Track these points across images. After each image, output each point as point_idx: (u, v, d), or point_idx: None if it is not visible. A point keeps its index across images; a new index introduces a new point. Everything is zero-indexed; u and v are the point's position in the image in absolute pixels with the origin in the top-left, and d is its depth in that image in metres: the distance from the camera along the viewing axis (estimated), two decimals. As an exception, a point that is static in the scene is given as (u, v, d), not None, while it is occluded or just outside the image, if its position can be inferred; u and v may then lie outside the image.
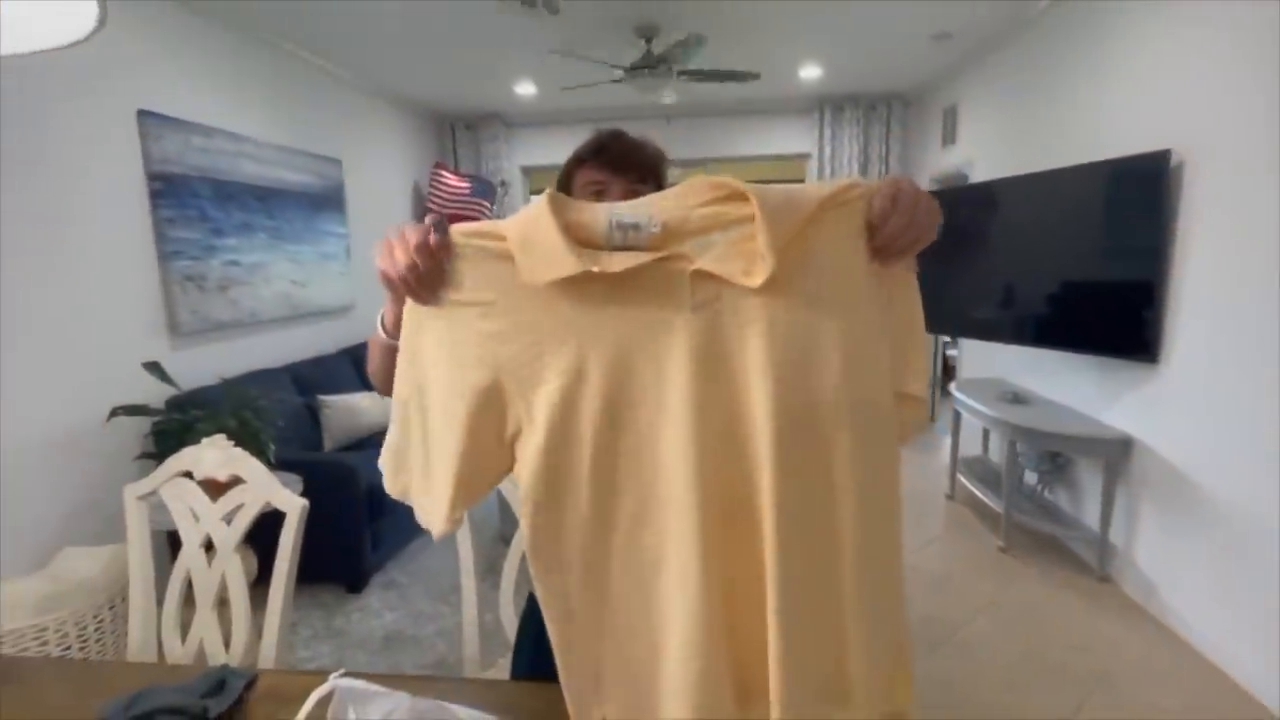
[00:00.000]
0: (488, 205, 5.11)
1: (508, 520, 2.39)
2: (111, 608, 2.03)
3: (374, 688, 0.69)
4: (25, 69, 2.15)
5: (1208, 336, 2.20)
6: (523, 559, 1.40)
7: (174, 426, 2.21)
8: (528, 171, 5.61)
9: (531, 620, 1.15)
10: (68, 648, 1.93)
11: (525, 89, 4.57)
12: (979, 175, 3.87)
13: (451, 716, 0.69)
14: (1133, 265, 2.50)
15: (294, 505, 1.32)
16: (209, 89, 3.00)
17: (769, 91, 4.75)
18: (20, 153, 2.15)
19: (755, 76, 3.48)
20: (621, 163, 0.99)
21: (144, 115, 2.61)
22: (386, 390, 0.83)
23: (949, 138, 4.39)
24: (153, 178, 2.64)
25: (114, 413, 2.17)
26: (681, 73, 3.39)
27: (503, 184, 5.33)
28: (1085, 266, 2.77)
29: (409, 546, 3.12)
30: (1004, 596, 2.61)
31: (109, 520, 2.23)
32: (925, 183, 4.74)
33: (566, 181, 1.03)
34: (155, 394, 2.43)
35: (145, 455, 2.34)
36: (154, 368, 2.28)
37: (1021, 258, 3.14)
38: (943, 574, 2.83)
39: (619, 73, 3.46)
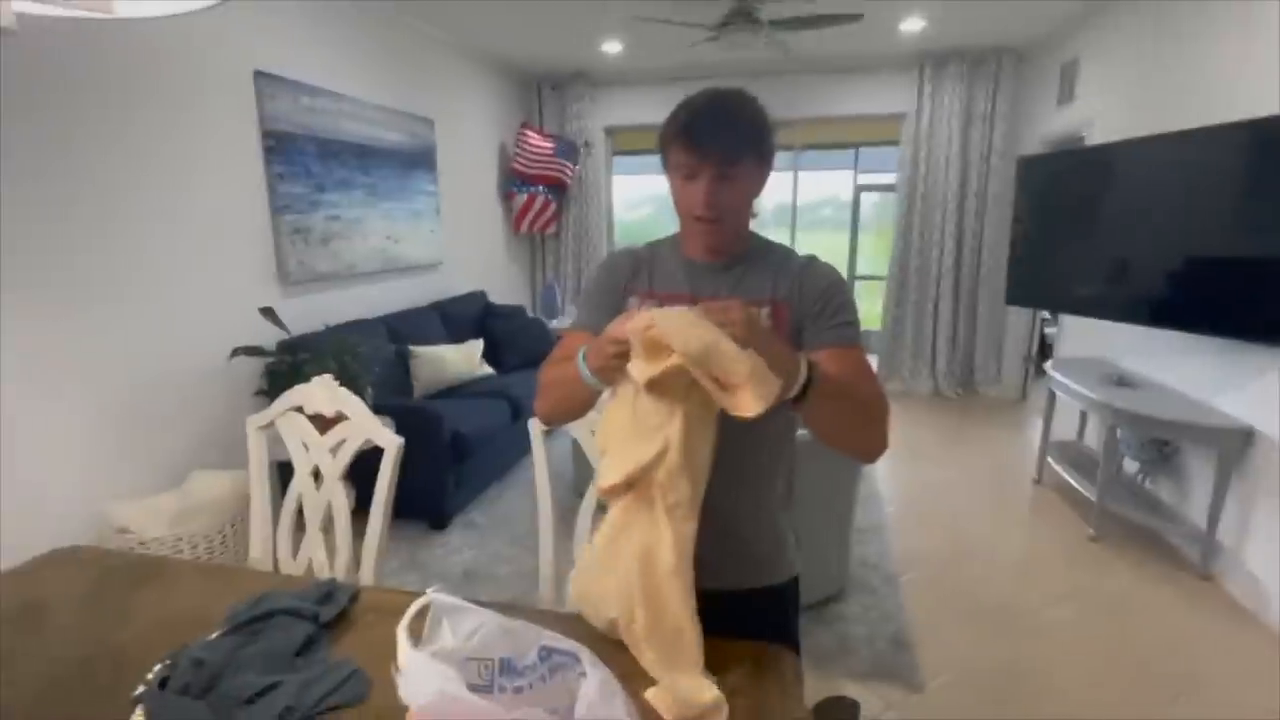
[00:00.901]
0: (570, 166, 5.16)
1: (581, 474, 2.48)
2: (234, 525, 2.27)
3: (466, 604, 0.76)
4: (153, 33, 2.34)
5: (1358, 321, 1.96)
6: (594, 510, 1.46)
7: (284, 368, 2.41)
8: (611, 131, 5.59)
9: None
10: (198, 556, 2.18)
11: (612, 47, 4.53)
12: (1097, 138, 3.55)
13: (534, 634, 0.75)
14: (1272, 239, 2.25)
15: (392, 442, 1.43)
16: (315, 50, 3.15)
17: (866, 46, 4.50)
18: (148, 115, 2.35)
19: (857, 18, 3.25)
20: (710, 143, 0.92)
21: (260, 75, 2.78)
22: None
23: (1065, 95, 4.03)
24: (266, 135, 2.82)
25: (235, 353, 2.39)
26: (774, 22, 3.25)
27: (586, 144, 5.35)
28: (1213, 239, 2.51)
29: (488, 491, 3.29)
30: (1091, 587, 2.49)
31: (231, 448, 2.48)
32: (1035, 144, 4.40)
33: (664, 152, 0.98)
34: (268, 337, 2.65)
35: (260, 392, 2.57)
36: (268, 313, 2.49)
37: (1139, 229, 2.88)
38: (1022, 559, 2.73)
39: (708, 32, 3.37)
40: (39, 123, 2.00)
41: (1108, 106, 3.54)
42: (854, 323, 1.01)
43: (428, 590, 0.77)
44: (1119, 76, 3.46)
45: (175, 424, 2.47)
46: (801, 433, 1.05)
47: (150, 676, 0.89)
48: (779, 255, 1.05)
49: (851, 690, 1.89)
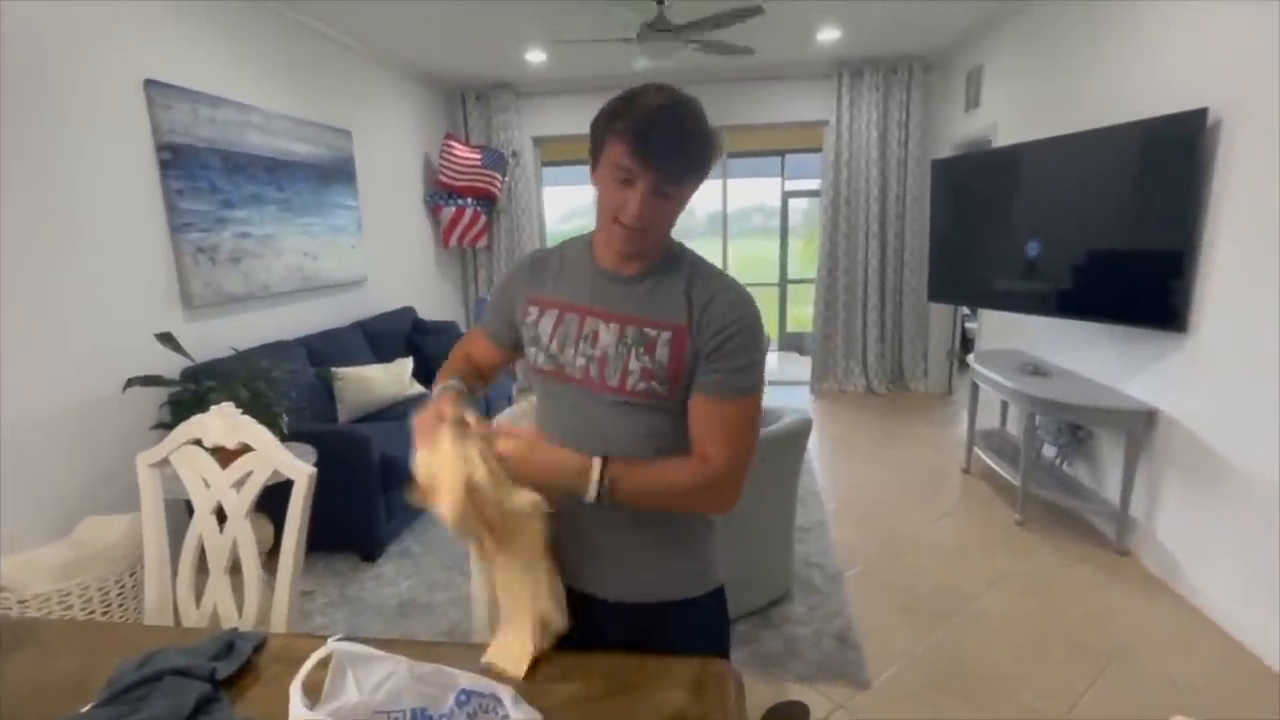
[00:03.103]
0: (499, 178, 5.06)
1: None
2: (132, 574, 2.07)
3: (372, 651, 0.68)
4: (28, 33, 2.13)
5: (1239, 306, 2.12)
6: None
7: (188, 397, 2.22)
8: (539, 141, 5.53)
9: None
10: (91, 613, 1.97)
11: (535, 56, 4.48)
12: (1003, 141, 3.75)
13: (449, 679, 0.68)
14: (1163, 231, 2.41)
15: (301, 472, 1.32)
16: (216, 57, 2.97)
17: (786, 56, 4.62)
18: (25, 122, 2.14)
19: (757, 10, 3.25)
20: (660, 162, 0.86)
21: (151, 84, 2.59)
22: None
23: (972, 102, 4.25)
24: (161, 148, 2.62)
25: (129, 383, 2.19)
26: (685, 25, 3.26)
27: (514, 154, 5.27)
28: (1112, 233, 2.68)
29: (423, 517, 3.15)
30: (1019, 569, 2.59)
31: (128, 489, 2.24)
32: (947, 149, 4.61)
33: (598, 141, 0.91)
34: (170, 366, 2.45)
35: (160, 425, 2.36)
36: (166, 338, 2.29)
37: (1045, 225, 3.04)
38: (956, 547, 2.81)
39: (631, 34, 3.37)
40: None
41: (1010, 111, 3.74)
42: (745, 369, 0.93)
43: (328, 640, 0.69)
44: (1019, 82, 3.67)
45: (63, 465, 2.24)
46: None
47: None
48: (692, 271, 0.97)
49: (800, 693, 1.88)
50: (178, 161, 2.69)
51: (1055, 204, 2.98)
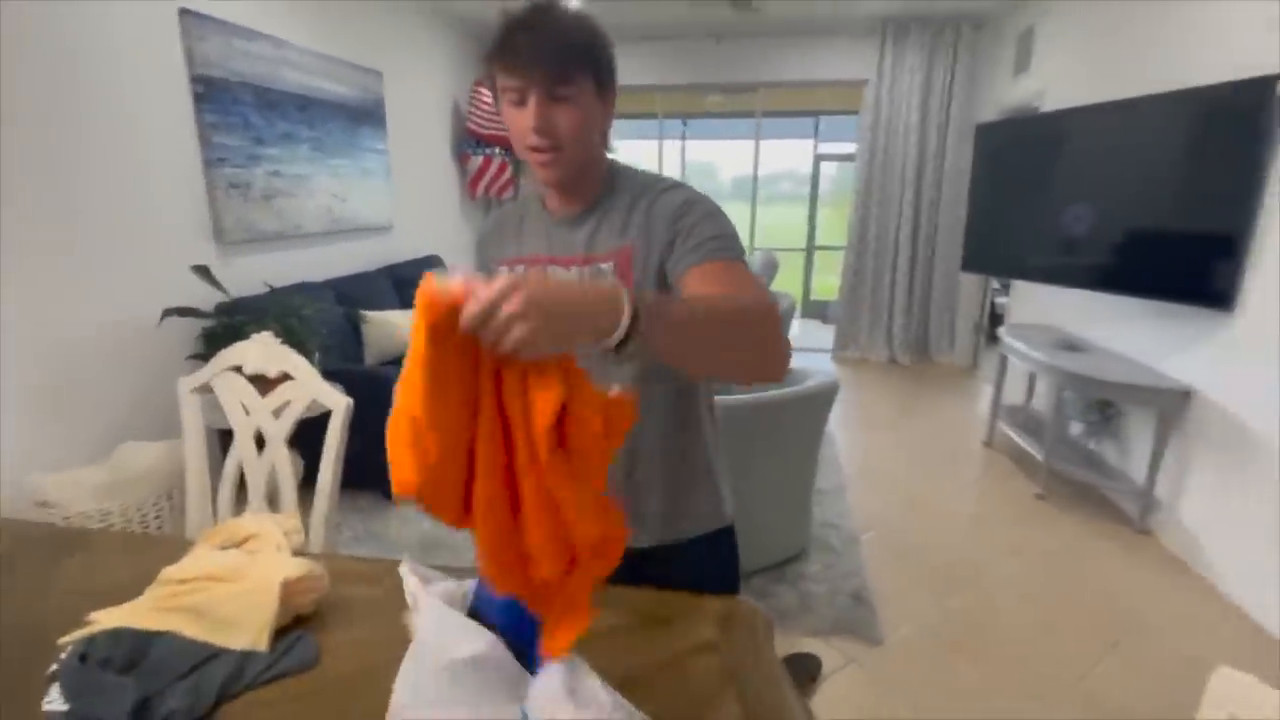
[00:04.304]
0: (528, 127, 4.98)
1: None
2: (169, 498, 2.14)
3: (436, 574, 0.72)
4: (68, -42, 2.11)
5: (1294, 284, 2.04)
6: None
7: (222, 330, 2.26)
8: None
9: None
10: (131, 531, 2.04)
11: (571, 2, 4.34)
12: (1051, 106, 3.60)
13: None
14: (1217, 206, 2.31)
15: (339, 402, 1.34)
16: (250, -11, 2.92)
17: (828, 10, 4.44)
18: (63, 51, 2.13)
19: None
20: (534, 59, 0.80)
21: (186, 14, 2.56)
22: None
23: (1022, 65, 4.07)
24: (196, 80, 2.61)
25: (166, 314, 2.23)
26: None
27: (544, 105, 5.17)
28: (1162, 206, 2.58)
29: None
30: (1037, 542, 2.58)
31: (164, 417, 2.32)
32: (992, 113, 4.44)
33: (491, 72, 0.86)
34: (205, 299, 2.48)
35: (195, 356, 2.40)
36: (202, 271, 2.32)
37: (1090, 196, 2.94)
38: (974, 517, 2.81)
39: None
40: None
41: (1061, 75, 3.58)
42: (720, 236, 0.84)
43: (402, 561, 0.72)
44: (1072, 45, 3.50)
45: (103, 392, 2.30)
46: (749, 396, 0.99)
47: (65, 651, 0.80)
48: (635, 191, 0.91)
49: (813, 646, 1.92)
50: (211, 95, 2.68)
51: (1103, 174, 2.87)
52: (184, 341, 2.48)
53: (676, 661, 0.85)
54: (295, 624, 0.91)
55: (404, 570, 0.71)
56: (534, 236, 0.97)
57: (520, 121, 0.84)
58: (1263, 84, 2.10)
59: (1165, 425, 2.53)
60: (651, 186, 0.91)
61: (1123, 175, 2.75)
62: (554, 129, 0.83)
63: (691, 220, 0.86)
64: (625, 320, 0.58)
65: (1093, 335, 3.15)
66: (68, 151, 2.16)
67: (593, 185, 0.92)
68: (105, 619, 0.86)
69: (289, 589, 0.89)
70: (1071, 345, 3.02)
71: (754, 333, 0.72)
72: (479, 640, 0.66)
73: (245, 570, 0.90)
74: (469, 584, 0.75)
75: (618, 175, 0.94)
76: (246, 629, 0.85)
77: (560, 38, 0.82)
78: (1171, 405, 2.50)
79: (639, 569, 0.96)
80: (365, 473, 2.82)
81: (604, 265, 0.89)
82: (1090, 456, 3.04)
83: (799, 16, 4.47)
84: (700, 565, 1.04)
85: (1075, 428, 3.17)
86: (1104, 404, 2.93)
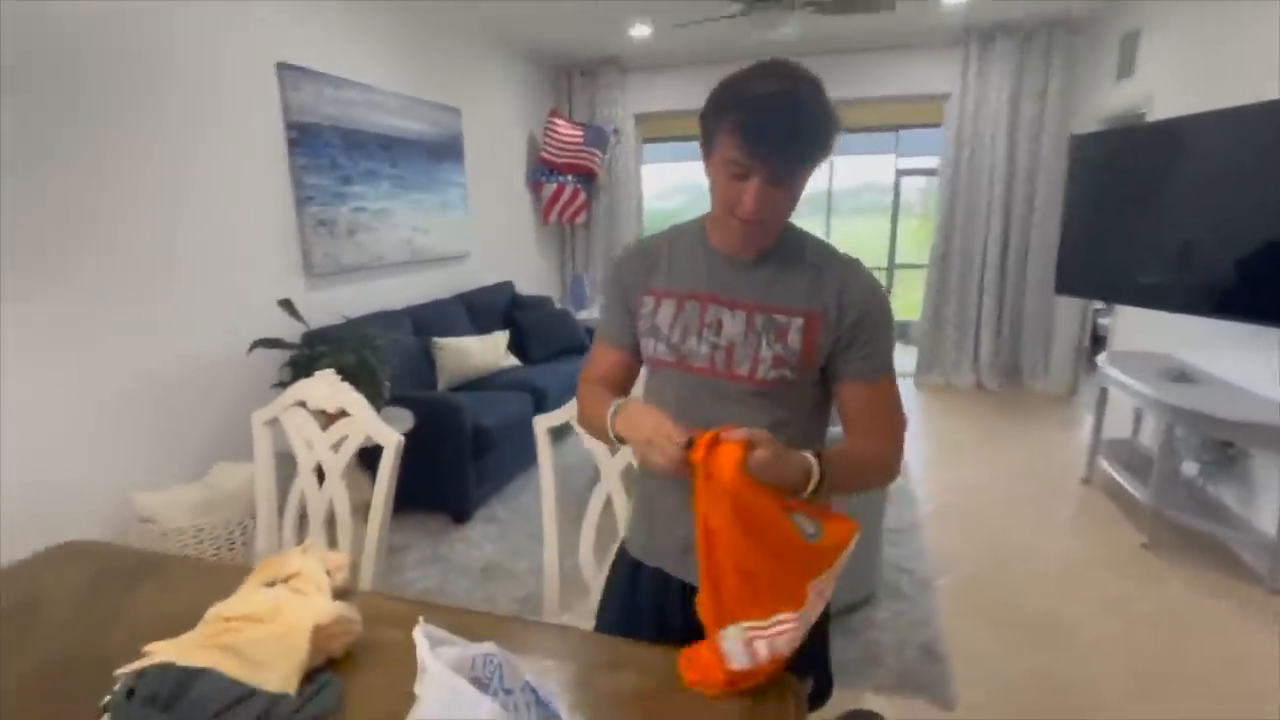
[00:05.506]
0: (599, 155, 5.09)
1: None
2: (253, 518, 2.29)
3: (453, 637, 0.72)
4: (175, 21, 2.35)
5: None
6: (603, 508, 1.40)
7: (303, 360, 2.41)
8: (640, 119, 5.49)
9: (617, 575, 1.14)
10: (219, 548, 2.20)
11: (640, 31, 4.42)
12: (1159, 114, 3.29)
13: (519, 668, 0.71)
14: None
15: (390, 440, 1.39)
16: (338, 39, 3.15)
17: (907, 23, 4.28)
18: (171, 101, 2.37)
19: (890, 6, 3.12)
20: (772, 153, 0.81)
21: (283, 67, 2.79)
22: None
23: (1125, 69, 3.76)
24: (290, 127, 2.83)
25: (254, 346, 2.41)
26: (807, 3, 3.11)
27: (615, 131, 5.27)
28: (1291, 223, 2.29)
29: (511, 484, 3.27)
30: (1141, 597, 2.32)
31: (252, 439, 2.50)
32: (1090, 122, 4.12)
33: (709, 132, 0.86)
34: (293, 329, 2.66)
35: (279, 384, 2.58)
36: (286, 304, 2.49)
37: (1204, 212, 2.65)
38: (1068, 565, 2.56)
39: (736, 7, 3.24)
40: (53, 108, 2.02)
41: (1171, 80, 3.28)
42: (887, 348, 0.96)
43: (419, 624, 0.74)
44: (1184, 47, 3.20)
45: (200, 415, 2.51)
46: (834, 429, 1.01)
47: (118, 684, 0.86)
48: (815, 255, 0.95)
49: (876, 704, 1.80)
50: (303, 140, 2.90)
51: (1221, 187, 2.58)
52: (272, 369, 2.67)
53: (695, 736, 0.81)
54: (327, 665, 0.94)
55: (417, 634, 0.71)
56: (690, 271, 0.98)
57: (733, 192, 0.86)
58: None
59: (1299, 471, 2.23)
60: (831, 258, 0.95)
61: (1245, 189, 2.46)
62: (768, 209, 0.86)
63: (875, 328, 0.93)
64: (812, 484, 0.83)
65: (1209, 365, 2.83)
66: (177, 196, 2.39)
67: (773, 239, 0.95)
68: (158, 651, 0.92)
69: (321, 633, 0.92)
70: (1183, 376, 2.72)
71: (882, 476, 1.01)
72: (483, 711, 0.65)
73: (282, 612, 0.94)
74: (483, 648, 0.74)
75: (789, 229, 0.97)
76: (278, 671, 0.88)
77: (808, 137, 0.83)
78: (1306, 448, 2.20)
79: None
80: (435, 495, 2.96)
81: (793, 320, 0.92)
82: (1207, 501, 2.71)
83: (874, 31, 4.34)
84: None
85: (1189, 468, 2.85)
86: (1224, 443, 2.62)
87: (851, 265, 0.95)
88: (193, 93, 2.43)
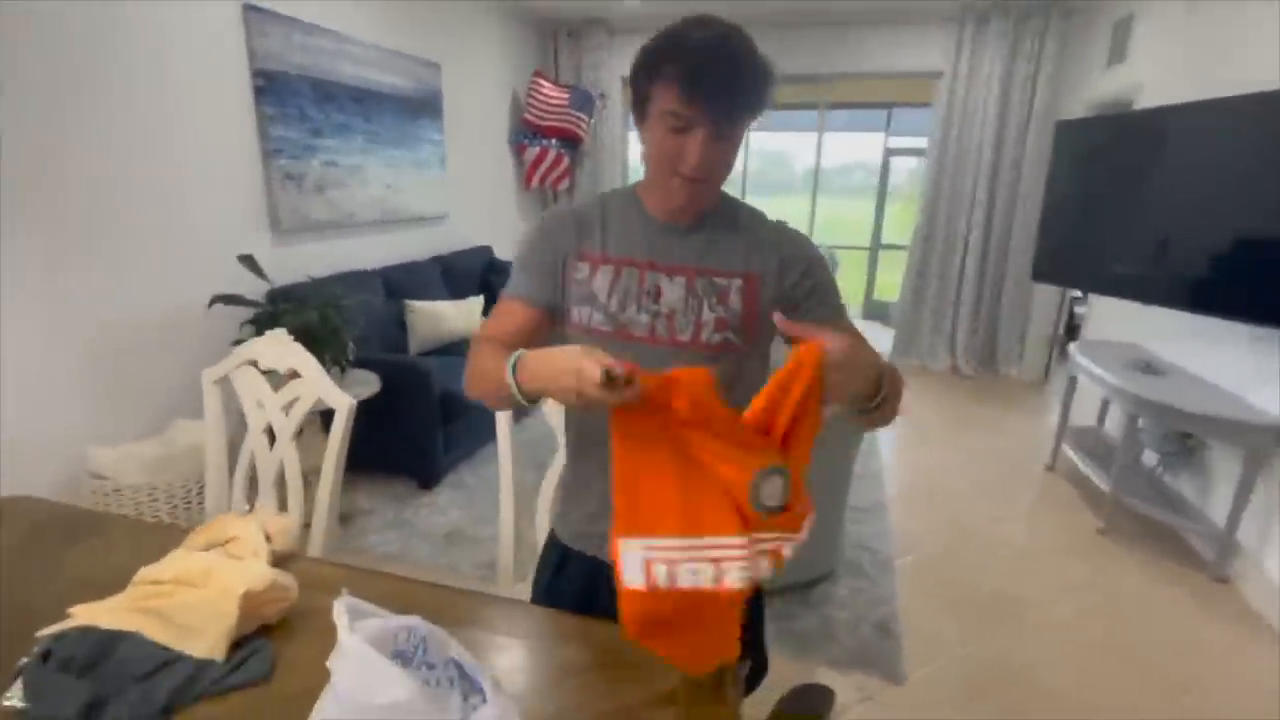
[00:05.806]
0: (585, 120, 4.96)
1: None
2: (210, 476, 2.24)
3: (378, 610, 0.70)
4: (137, -43, 2.21)
5: None
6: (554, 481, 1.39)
7: (264, 317, 2.34)
8: (628, 82, 5.35)
9: (547, 560, 1.14)
10: (174, 506, 2.16)
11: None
12: (1147, 103, 3.27)
13: (443, 643, 0.69)
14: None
15: (341, 402, 1.35)
16: (312, -16, 3.00)
17: (902, -2, 4.19)
18: (129, 47, 2.24)
19: None
20: (716, 101, 0.80)
21: (249, 9, 2.65)
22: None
23: (1117, 55, 3.72)
24: (257, 74, 2.70)
25: (213, 301, 2.33)
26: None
27: (601, 96, 5.13)
28: (1271, 218, 2.30)
29: (482, 451, 3.25)
30: (1094, 582, 2.38)
31: (213, 398, 2.43)
32: (1078, 109, 4.10)
33: (643, 88, 0.85)
34: (257, 286, 2.58)
35: (240, 341, 2.50)
36: (247, 260, 2.41)
37: (1186, 204, 2.65)
38: (1025, 548, 2.61)
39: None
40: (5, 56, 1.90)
41: (1163, 69, 3.25)
42: (841, 298, 0.98)
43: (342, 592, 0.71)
44: (1176, 36, 3.17)
45: (159, 370, 2.44)
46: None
47: (36, 647, 0.83)
48: (748, 220, 0.98)
49: (828, 678, 1.82)
50: (271, 88, 2.77)
51: (1203, 180, 2.58)
52: (234, 326, 2.59)
53: (628, 713, 0.81)
54: (260, 632, 0.91)
55: (337, 606, 0.68)
56: (629, 237, 0.95)
57: (673, 147, 0.84)
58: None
59: (1254, 463, 2.27)
60: (762, 221, 0.97)
61: (1226, 181, 2.46)
62: (713, 163, 0.86)
63: (824, 278, 0.96)
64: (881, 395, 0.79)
65: (1176, 357, 2.87)
66: (131, 141, 2.28)
67: (712, 202, 0.96)
68: (83, 614, 0.89)
69: (253, 600, 0.89)
70: (1150, 367, 2.75)
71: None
72: (398, 687, 0.63)
73: (213, 576, 0.91)
74: (407, 621, 0.71)
75: (721, 195, 0.98)
76: (205, 637, 0.85)
77: (749, 84, 0.82)
78: (1262, 442, 2.24)
79: None
80: (402, 459, 2.92)
81: (732, 281, 0.92)
82: (1164, 491, 2.77)
83: (870, 4, 4.24)
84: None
85: (1149, 458, 2.90)
86: (1184, 435, 2.66)
87: (780, 227, 0.98)
88: (154, 34, 2.30)
